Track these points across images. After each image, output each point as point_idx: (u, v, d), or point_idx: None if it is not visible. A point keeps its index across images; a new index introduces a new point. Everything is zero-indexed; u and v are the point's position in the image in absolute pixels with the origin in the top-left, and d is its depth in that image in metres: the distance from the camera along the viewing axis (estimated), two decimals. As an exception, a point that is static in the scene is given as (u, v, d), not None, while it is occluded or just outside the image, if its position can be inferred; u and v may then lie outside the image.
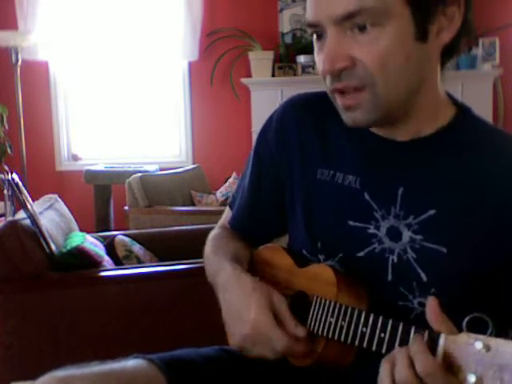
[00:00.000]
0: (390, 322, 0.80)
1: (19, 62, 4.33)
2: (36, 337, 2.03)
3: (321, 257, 0.97)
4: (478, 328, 0.70)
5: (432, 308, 0.75)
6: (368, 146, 0.95)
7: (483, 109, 4.03)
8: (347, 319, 0.86)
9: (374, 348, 0.81)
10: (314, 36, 0.88)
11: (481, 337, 0.68)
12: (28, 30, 4.56)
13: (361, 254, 0.93)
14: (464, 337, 0.70)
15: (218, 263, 1.02)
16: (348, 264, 0.94)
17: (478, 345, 0.68)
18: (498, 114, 4.44)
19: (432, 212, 0.89)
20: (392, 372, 0.74)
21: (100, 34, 4.72)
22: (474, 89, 4.20)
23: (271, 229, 1.12)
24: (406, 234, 0.90)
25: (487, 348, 0.67)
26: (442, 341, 0.72)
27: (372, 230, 0.92)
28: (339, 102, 0.88)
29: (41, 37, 4.47)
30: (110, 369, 0.95)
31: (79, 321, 2.06)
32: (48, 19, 4.66)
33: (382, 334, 0.80)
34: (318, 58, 0.88)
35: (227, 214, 1.19)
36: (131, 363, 0.97)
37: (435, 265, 0.88)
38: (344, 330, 0.86)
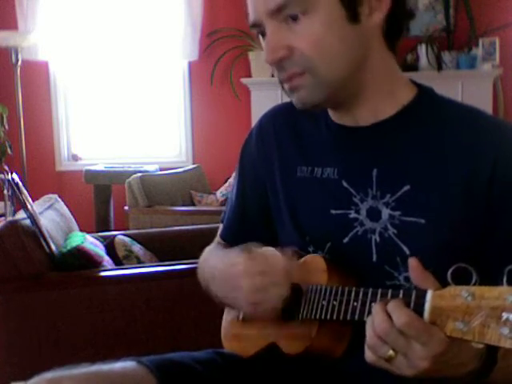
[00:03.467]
0: (379, 291, 0.83)
1: (19, 62, 4.33)
2: (36, 337, 2.03)
3: (310, 249, 1.00)
4: (462, 279, 0.72)
5: (414, 268, 0.78)
6: (337, 137, 1.00)
7: (483, 109, 4.01)
8: (338, 298, 0.88)
9: (365, 318, 0.82)
10: (260, 36, 0.95)
11: (466, 287, 0.71)
12: (28, 29, 4.56)
13: (346, 239, 0.97)
14: (450, 290, 0.72)
15: (207, 265, 1.09)
16: (337, 252, 0.98)
17: (464, 294, 0.70)
18: (498, 114, 4.44)
19: (407, 188, 0.92)
20: (373, 325, 0.76)
21: (100, 34, 4.72)
22: (473, 89, 4.20)
23: (261, 236, 1.12)
24: (385, 212, 0.93)
25: (473, 296, 0.69)
26: (428, 297, 0.74)
27: (353, 215, 0.96)
28: (286, 87, 0.94)
29: (41, 37, 4.47)
30: (99, 369, 0.96)
31: (79, 321, 2.06)
32: (48, 19, 4.66)
33: (373, 304, 0.82)
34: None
35: (220, 230, 1.22)
36: (120, 364, 0.98)
37: (416, 236, 0.92)
38: (336, 309, 0.88)
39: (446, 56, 4.29)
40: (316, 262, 0.96)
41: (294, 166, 1.04)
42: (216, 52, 4.62)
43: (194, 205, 4.03)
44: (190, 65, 4.77)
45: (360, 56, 0.91)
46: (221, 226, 1.22)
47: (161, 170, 4.46)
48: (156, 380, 0.96)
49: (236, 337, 1.09)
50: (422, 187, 0.92)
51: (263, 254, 0.92)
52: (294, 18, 0.88)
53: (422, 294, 0.75)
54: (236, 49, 4.60)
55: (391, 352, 0.75)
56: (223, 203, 4.07)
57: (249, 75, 4.60)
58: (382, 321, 0.75)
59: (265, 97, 4.55)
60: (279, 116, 1.11)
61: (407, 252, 0.91)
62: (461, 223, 0.91)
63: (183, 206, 3.86)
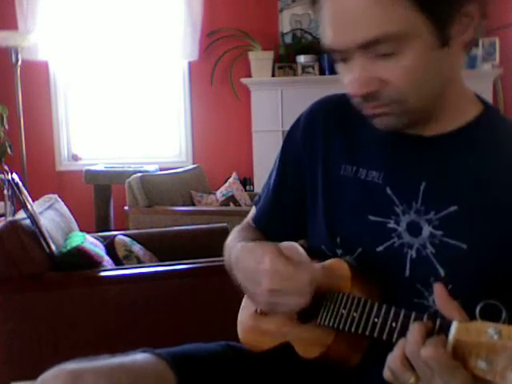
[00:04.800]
0: (403, 311, 0.81)
1: (19, 62, 4.34)
2: (36, 337, 2.03)
3: (339, 252, 0.98)
4: (491, 315, 0.70)
5: (440, 295, 0.76)
6: (393, 142, 0.96)
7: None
8: (359, 310, 0.86)
9: (384, 337, 0.81)
10: (334, 57, 0.88)
11: (493, 324, 0.68)
12: (28, 29, 4.56)
13: (380, 248, 0.93)
14: (476, 324, 0.70)
15: (235, 245, 1.05)
16: (366, 259, 0.94)
17: (491, 331, 0.68)
18: (498, 114, 4.44)
19: (453, 208, 0.89)
20: (405, 343, 0.74)
21: (100, 34, 4.72)
22: (474, 89, 4.16)
23: (292, 227, 1.12)
24: (426, 229, 0.90)
25: (499, 334, 0.67)
26: (453, 328, 0.72)
27: (392, 225, 0.93)
28: (368, 111, 0.89)
29: (41, 37, 4.47)
30: (121, 362, 0.95)
31: (79, 321, 2.06)
32: (48, 19, 4.66)
33: (394, 324, 0.81)
34: (346, 81, 0.89)
35: (252, 212, 1.20)
36: (140, 357, 0.98)
37: (454, 261, 0.88)
38: (355, 321, 0.86)
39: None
40: (341, 267, 0.94)
41: (339, 163, 1.00)
42: (216, 52, 4.63)
43: (193, 205, 4.03)
44: (190, 65, 4.77)
45: (447, 78, 0.89)
46: (253, 208, 1.19)
47: (161, 170, 4.46)
48: (174, 375, 0.97)
49: (253, 329, 1.08)
50: (470, 211, 0.88)
51: (292, 258, 0.89)
52: (388, 52, 0.83)
53: (446, 325, 0.73)
54: (236, 49, 4.61)
55: (412, 380, 0.73)
56: (223, 203, 4.07)
57: (249, 75, 4.60)
58: (415, 342, 0.73)
59: (265, 97, 4.56)
60: (332, 108, 1.06)
61: (442, 274, 0.88)
62: (503, 254, 0.87)
63: (183, 205, 3.86)
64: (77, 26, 4.70)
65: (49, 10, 4.68)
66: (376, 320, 0.83)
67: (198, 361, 1.02)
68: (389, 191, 0.94)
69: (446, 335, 0.72)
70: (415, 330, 0.74)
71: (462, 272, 0.88)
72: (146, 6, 4.69)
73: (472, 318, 0.72)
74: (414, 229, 0.91)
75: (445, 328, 0.73)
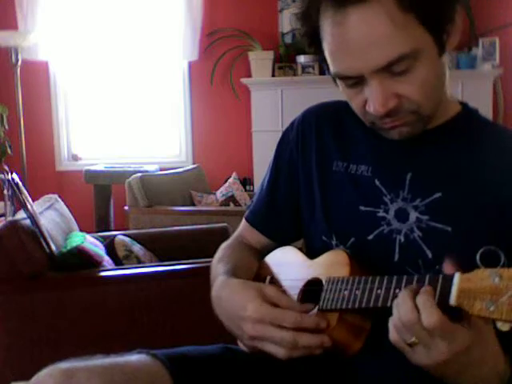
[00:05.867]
0: (405, 277, 0.83)
1: (19, 62, 4.34)
2: (36, 337, 2.03)
3: (333, 242, 1.03)
4: (490, 262, 0.74)
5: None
6: (380, 138, 1.00)
7: (483, 109, 3.96)
8: (361, 286, 0.88)
9: (389, 304, 0.82)
10: (344, 83, 0.93)
11: (494, 269, 0.72)
12: (28, 29, 4.56)
13: (370, 236, 0.99)
14: (478, 272, 0.74)
15: (217, 272, 1.09)
16: (359, 248, 0.99)
17: (492, 276, 0.72)
18: (497, 114, 4.44)
19: (438, 195, 0.96)
20: (399, 313, 0.78)
21: (100, 34, 4.72)
22: (473, 89, 4.20)
23: (286, 226, 1.16)
24: (413, 215, 0.96)
25: (500, 277, 0.71)
26: (456, 279, 0.75)
27: (381, 214, 0.99)
28: (387, 125, 0.94)
29: (41, 37, 4.47)
30: (114, 362, 0.95)
31: (79, 321, 2.06)
32: (48, 19, 4.66)
33: (397, 290, 0.82)
34: (358, 103, 0.94)
35: (243, 224, 1.23)
36: (135, 357, 0.98)
37: (440, 242, 0.94)
38: (358, 297, 0.88)
39: (446, 56, 4.29)
40: (339, 256, 0.97)
41: (331, 160, 1.07)
42: (216, 52, 4.63)
43: (193, 205, 4.03)
44: (190, 65, 4.77)
45: (445, 81, 0.96)
46: (247, 212, 1.23)
47: (161, 170, 4.46)
48: (169, 375, 0.97)
49: None
50: (453, 197, 0.95)
51: (275, 301, 0.92)
52: (402, 72, 0.88)
53: (449, 278, 0.76)
54: (236, 49, 4.61)
55: (414, 339, 0.76)
56: (223, 203, 4.07)
57: (249, 75, 4.60)
58: (408, 311, 0.76)
59: (265, 97, 4.56)
60: (324, 112, 1.13)
61: (429, 256, 0.94)
62: (486, 237, 0.92)
63: (183, 206, 3.86)
64: (77, 26, 4.71)
65: (49, 10, 4.68)
66: (379, 291, 0.85)
67: (194, 362, 1.02)
68: (377, 183, 1.01)
69: (450, 287, 0.75)
70: (404, 297, 0.77)
71: (448, 253, 0.90)
72: (146, 6, 4.69)
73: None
74: (402, 215, 0.97)
75: (448, 280, 0.76)
